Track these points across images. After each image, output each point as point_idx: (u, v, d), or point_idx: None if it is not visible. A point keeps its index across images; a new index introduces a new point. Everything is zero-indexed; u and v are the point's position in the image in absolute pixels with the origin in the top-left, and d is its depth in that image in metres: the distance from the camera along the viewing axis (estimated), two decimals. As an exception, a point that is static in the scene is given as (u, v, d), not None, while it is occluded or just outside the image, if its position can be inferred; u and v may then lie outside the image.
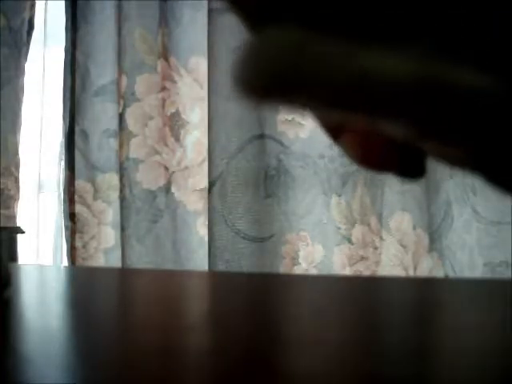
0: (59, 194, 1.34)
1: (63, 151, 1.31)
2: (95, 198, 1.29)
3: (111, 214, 1.29)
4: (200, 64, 1.26)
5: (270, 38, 0.13)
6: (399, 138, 0.15)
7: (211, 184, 1.19)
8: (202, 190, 1.25)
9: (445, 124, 0.13)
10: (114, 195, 1.28)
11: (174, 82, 1.26)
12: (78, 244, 1.29)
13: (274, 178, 1.19)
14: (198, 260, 1.24)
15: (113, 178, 1.28)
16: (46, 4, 1.41)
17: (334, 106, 0.13)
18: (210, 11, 1.21)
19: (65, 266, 1.23)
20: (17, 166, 1.32)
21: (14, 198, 1.31)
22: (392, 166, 0.16)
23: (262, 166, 1.19)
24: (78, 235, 1.29)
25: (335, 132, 0.18)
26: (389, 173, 0.16)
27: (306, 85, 0.12)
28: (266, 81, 0.13)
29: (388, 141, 0.16)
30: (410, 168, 0.16)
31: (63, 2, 1.32)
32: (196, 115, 1.26)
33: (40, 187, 1.40)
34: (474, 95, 0.13)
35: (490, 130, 0.13)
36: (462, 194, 1.16)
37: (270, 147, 1.21)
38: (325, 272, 1.18)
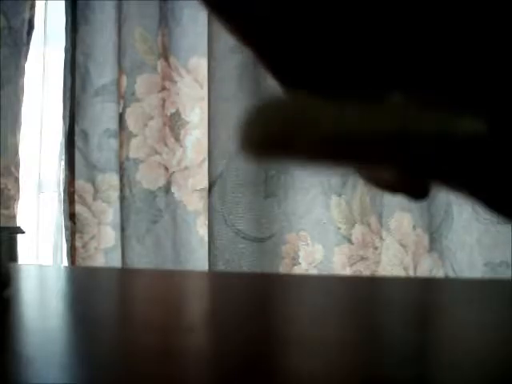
0: (59, 194, 1.34)
1: (63, 151, 1.31)
2: (95, 198, 1.29)
3: (111, 214, 1.29)
4: (200, 64, 1.26)
5: (268, 103, 0.15)
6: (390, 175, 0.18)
7: (211, 184, 1.19)
8: (202, 189, 1.25)
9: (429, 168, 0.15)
10: (114, 195, 1.28)
11: (174, 81, 1.26)
12: (78, 244, 1.29)
13: (273, 178, 1.19)
14: (198, 260, 1.24)
15: (113, 178, 1.28)
16: (45, 4, 1.41)
17: (325, 159, 0.15)
18: (210, 11, 1.20)
19: (65, 266, 1.23)
20: (17, 166, 1.32)
21: (13, 198, 1.31)
22: (402, 189, 0.19)
23: (261, 166, 1.19)
24: (77, 235, 1.29)
25: None
26: (399, 194, 0.19)
27: (300, 143, 0.15)
28: (264, 142, 0.15)
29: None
30: (417, 191, 0.19)
31: (63, 2, 1.32)
32: (196, 115, 1.26)
33: (40, 187, 1.40)
34: (467, 140, 0.15)
35: (483, 170, 0.15)
36: (462, 194, 1.15)
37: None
38: (325, 272, 1.18)
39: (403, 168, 0.16)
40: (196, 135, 1.26)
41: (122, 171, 1.26)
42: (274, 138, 0.15)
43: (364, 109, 0.15)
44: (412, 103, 0.15)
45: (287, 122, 0.14)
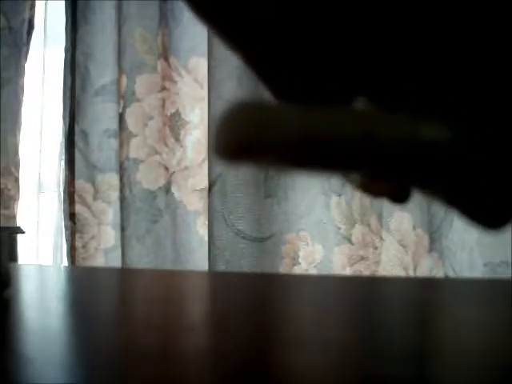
0: (59, 194, 1.34)
1: (63, 151, 1.31)
2: (95, 198, 1.29)
3: (111, 214, 1.29)
4: (200, 64, 1.25)
5: (240, 108, 0.15)
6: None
7: (211, 184, 1.19)
8: (202, 189, 1.25)
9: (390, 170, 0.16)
10: (114, 195, 1.28)
11: (174, 82, 1.26)
12: (78, 244, 1.29)
13: (274, 177, 1.19)
14: (198, 260, 1.24)
15: (113, 178, 1.28)
16: (45, 4, 1.41)
17: (294, 163, 0.15)
18: (210, 11, 1.20)
19: (65, 266, 1.23)
20: (17, 166, 1.32)
21: (14, 198, 1.31)
22: (385, 194, 0.19)
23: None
24: (77, 235, 1.29)
25: None
26: (383, 198, 0.20)
27: (267, 148, 0.15)
28: (235, 145, 0.15)
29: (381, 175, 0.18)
30: (399, 195, 0.19)
31: (63, 2, 1.32)
32: (196, 115, 1.26)
33: (40, 187, 1.40)
34: (430, 146, 0.15)
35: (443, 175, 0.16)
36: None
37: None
38: (325, 272, 1.18)
39: (374, 172, 0.16)
40: (196, 135, 1.26)
41: (122, 171, 1.26)
42: (243, 143, 0.15)
43: (330, 113, 0.15)
44: (378, 109, 0.16)
45: (256, 127, 0.15)
